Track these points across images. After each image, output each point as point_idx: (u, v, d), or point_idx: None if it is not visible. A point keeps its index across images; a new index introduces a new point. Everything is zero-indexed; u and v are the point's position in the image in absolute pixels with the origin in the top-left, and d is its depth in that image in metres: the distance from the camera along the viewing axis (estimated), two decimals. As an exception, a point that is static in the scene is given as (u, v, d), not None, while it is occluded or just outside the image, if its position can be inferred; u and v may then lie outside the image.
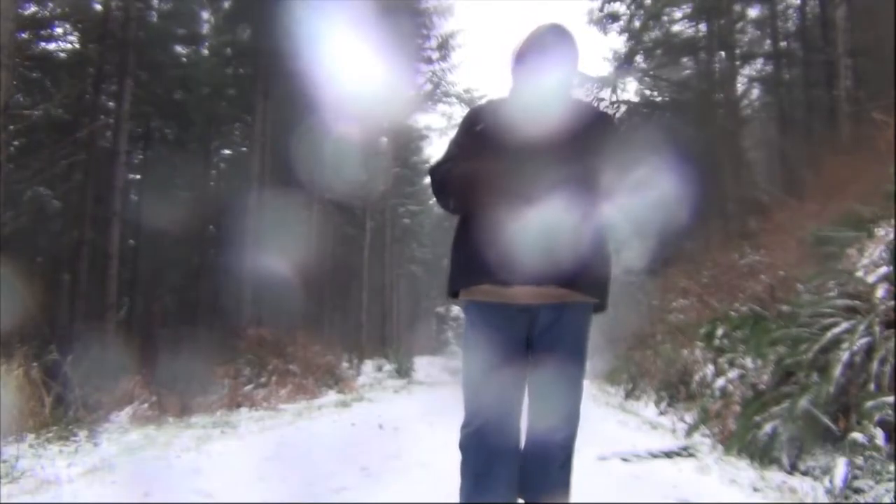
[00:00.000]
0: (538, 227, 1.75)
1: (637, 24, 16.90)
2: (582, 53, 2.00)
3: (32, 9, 11.24)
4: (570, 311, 1.88)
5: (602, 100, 15.37)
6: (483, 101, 2.42)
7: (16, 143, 10.50)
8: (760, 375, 4.56)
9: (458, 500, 1.88)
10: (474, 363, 1.91)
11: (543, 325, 1.87)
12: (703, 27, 16.70)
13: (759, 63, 17.37)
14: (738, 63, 15.97)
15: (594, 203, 1.83)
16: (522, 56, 1.95)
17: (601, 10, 16.76)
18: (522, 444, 1.91)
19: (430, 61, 19.75)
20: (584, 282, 1.87)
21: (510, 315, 1.86)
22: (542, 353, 1.89)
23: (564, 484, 1.91)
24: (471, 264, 1.89)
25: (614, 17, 16.93)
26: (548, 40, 1.93)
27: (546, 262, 1.76)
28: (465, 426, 1.87)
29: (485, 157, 1.85)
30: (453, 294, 2.00)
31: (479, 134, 1.92)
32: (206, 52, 16.70)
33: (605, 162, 1.86)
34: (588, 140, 1.86)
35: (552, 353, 1.87)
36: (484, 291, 1.88)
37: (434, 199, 2.04)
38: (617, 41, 17.36)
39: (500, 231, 1.78)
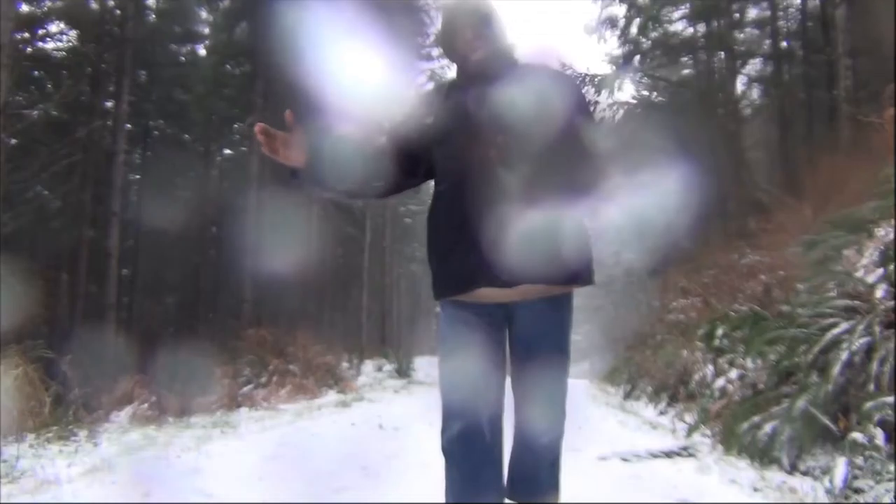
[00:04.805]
0: (510, 223, 1.66)
1: (636, 25, 16.87)
2: (506, 16, 1.83)
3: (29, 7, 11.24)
4: (548, 307, 1.80)
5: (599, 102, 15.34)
6: (432, 87, 2.32)
7: (15, 142, 10.49)
8: (760, 376, 4.56)
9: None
10: (451, 364, 1.82)
11: (521, 323, 1.81)
12: (702, 27, 16.70)
13: (758, 63, 17.36)
14: (737, 63, 15.96)
15: (565, 186, 1.71)
16: (446, 37, 1.85)
17: (599, 16, 16.74)
18: (510, 445, 1.86)
19: (429, 59, 19.70)
20: (561, 274, 1.76)
21: (486, 312, 1.79)
22: (523, 351, 1.82)
23: (554, 484, 1.88)
24: (450, 271, 1.81)
25: (612, 22, 16.89)
26: (462, 13, 1.82)
27: (521, 258, 1.66)
28: (444, 430, 1.77)
29: (442, 152, 1.79)
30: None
31: (431, 127, 1.82)
32: (204, 51, 16.71)
33: (573, 132, 1.72)
34: (548, 111, 1.71)
35: (534, 352, 1.81)
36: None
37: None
38: (615, 43, 17.18)
39: (472, 231, 1.70)
